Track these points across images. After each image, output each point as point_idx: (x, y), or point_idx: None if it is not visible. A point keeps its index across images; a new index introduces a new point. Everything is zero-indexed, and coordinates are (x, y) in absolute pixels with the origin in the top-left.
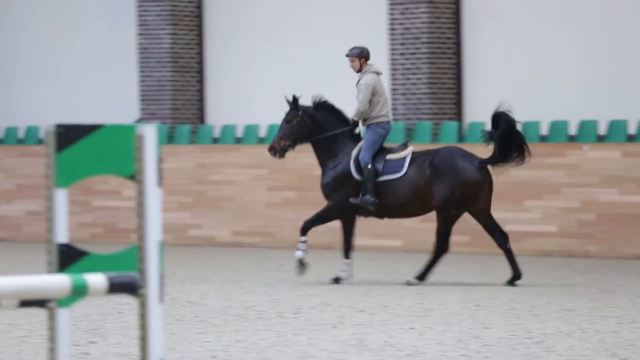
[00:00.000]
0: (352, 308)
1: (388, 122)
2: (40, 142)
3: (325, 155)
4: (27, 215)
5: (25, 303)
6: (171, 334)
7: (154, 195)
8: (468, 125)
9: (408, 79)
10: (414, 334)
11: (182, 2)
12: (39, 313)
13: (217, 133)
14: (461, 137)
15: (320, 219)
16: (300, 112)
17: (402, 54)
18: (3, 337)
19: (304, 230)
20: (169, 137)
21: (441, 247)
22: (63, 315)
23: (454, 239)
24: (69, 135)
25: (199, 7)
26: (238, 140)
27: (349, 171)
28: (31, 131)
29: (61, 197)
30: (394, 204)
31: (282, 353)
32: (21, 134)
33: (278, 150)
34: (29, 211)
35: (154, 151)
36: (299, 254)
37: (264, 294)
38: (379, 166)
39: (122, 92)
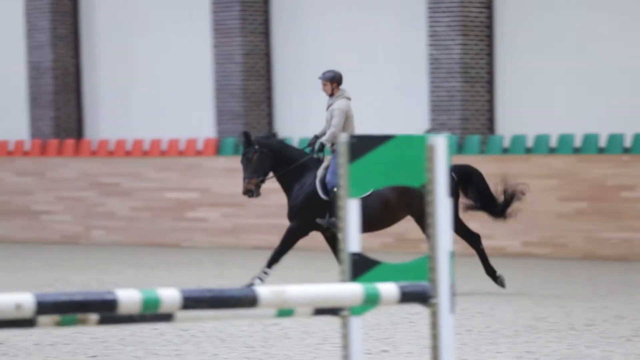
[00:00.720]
0: None
1: None
2: None
3: (291, 182)
4: None
5: (319, 311)
6: (462, 344)
7: (444, 205)
8: None
9: None
10: None
11: (473, 12)
12: (333, 321)
13: (507, 143)
14: None
15: (284, 246)
16: (256, 146)
17: None
18: (298, 344)
19: (271, 263)
20: (458, 148)
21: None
22: (356, 323)
23: None
24: (361, 146)
25: (490, 17)
26: (528, 150)
27: (315, 191)
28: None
29: (353, 206)
30: (365, 221)
31: None
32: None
33: (254, 190)
34: None
35: (445, 161)
36: (257, 282)
37: (555, 305)
38: None
39: (412, 103)
